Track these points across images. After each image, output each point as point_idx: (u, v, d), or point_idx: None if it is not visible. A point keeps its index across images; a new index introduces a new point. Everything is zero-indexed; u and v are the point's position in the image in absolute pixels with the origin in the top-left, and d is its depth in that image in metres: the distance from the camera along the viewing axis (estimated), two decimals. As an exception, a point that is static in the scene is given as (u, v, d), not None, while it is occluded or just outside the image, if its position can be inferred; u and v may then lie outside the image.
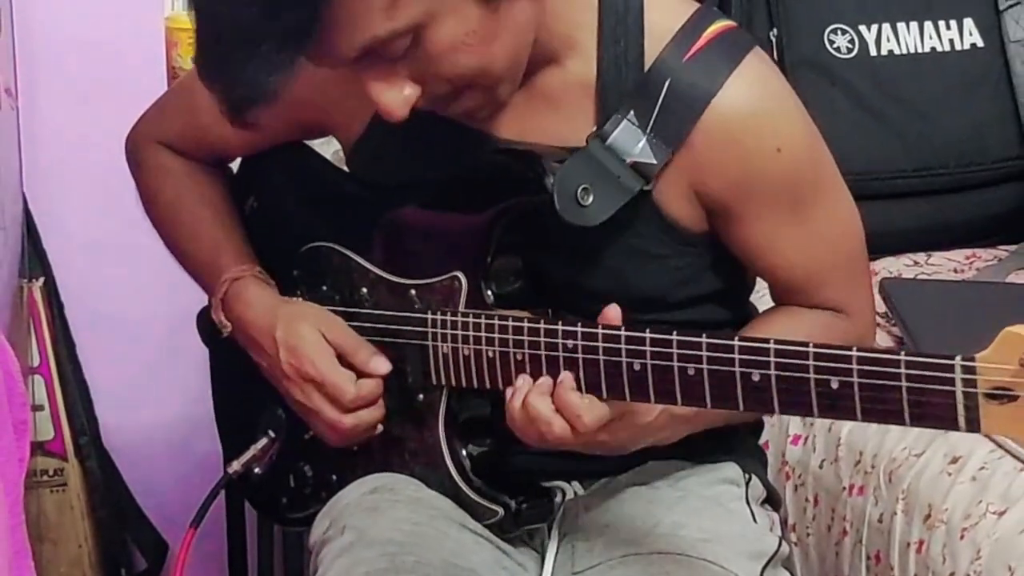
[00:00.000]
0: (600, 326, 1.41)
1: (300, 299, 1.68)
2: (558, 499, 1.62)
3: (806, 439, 2.23)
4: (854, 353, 1.27)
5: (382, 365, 1.59)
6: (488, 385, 1.50)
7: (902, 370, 1.24)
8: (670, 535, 1.57)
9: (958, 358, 1.21)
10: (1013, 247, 2.73)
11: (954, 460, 1.96)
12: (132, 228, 1.83)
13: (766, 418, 2.14)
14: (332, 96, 1.59)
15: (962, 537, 1.86)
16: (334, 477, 1.67)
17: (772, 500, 1.72)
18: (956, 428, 1.22)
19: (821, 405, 1.29)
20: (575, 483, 1.66)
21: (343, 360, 1.60)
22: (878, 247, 2.32)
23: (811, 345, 1.30)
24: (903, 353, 1.25)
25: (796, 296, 1.59)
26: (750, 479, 1.68)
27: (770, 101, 1.53)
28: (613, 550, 1.57)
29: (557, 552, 1.59)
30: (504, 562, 1.58)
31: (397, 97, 1.43)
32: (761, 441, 1.78)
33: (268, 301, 1.67)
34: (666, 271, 1.54)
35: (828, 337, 1.46)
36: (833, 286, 1.58)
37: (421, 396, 1.59)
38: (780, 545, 1.63)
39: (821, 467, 2.19)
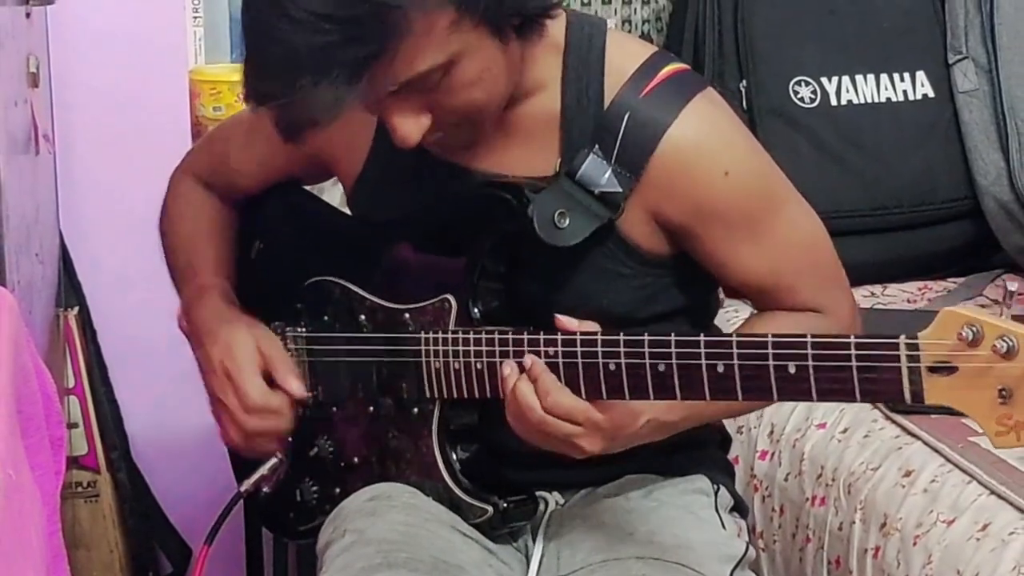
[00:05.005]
0: (578, 333, 1.43)
1: (268, 326, 1.70)
2: (541, 507, 1.63)
3: (772, 455, 2.24)
4: (808, 339, 1.28)
5: (295, 386, 1.64)
6: (477, 394, 1.51)
7: (852, 351, 1.26)
8: (646, 541, 1.58)
9: (902, 337, 1.24)
10: (961, 279, 2.74)
11: (907, 474, 1.96)
12: (159, 262, 1.85)
13: (735, 434, 2.15)
14: (337, 136, 1.60)
15: (915, 544, 1.86)
16: (337, 490, 1.68)
17: (739, 508, 1.72)
18: (902, 400, 1.24)
19: (780, 388, 1.30)
20: (556, 493, 1.66)
21: (267, 374, 1.65)
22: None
23: (769, 335, 1.31)
24: (852, 336, 1.28)
25: (771, 302, 1.59)
26: (718, 489, 1.68)
27: (718, 131, 1.54)
28: (594, 555, 1.57)
29: (542, 556, 1.60)
30: (491, 561, 1.59)
31: (414, 126, 1.45)
32: (731, 456, 1.79)
33: (223, 308, 1.71)
34: (631, 289, 1.55)
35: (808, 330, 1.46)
36: (803, 290, 1.57)
37: (416, 410, 1.60)
38: (747, 549, 1.63)
39: (786, 480, 2.19)
